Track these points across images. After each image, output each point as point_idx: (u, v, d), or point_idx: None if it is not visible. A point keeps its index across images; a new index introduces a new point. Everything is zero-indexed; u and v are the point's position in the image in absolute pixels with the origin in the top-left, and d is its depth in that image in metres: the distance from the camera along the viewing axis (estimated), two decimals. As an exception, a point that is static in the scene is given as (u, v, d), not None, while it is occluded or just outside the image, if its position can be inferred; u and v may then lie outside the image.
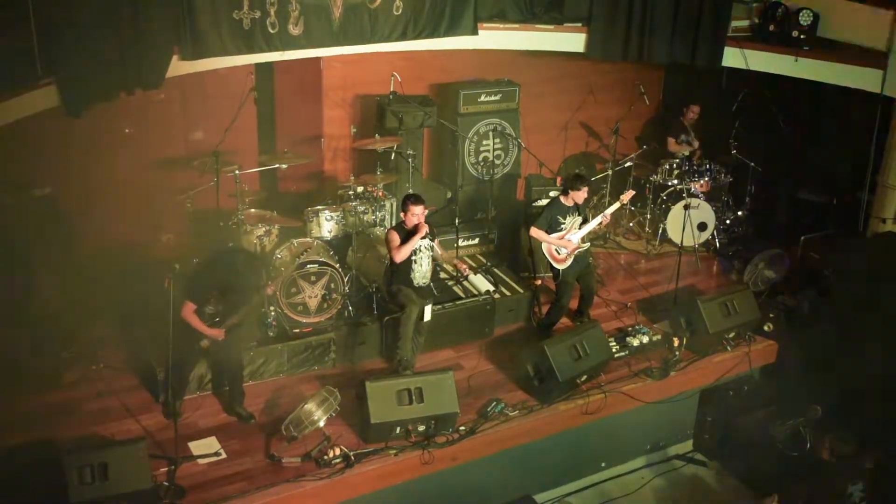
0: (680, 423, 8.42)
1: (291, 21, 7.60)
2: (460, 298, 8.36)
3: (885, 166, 8.71)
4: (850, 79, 8.78)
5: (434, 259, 7.60)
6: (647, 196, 10.15)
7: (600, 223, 8.14)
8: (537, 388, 7.44)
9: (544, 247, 7.99)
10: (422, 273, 7.45)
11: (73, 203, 7.50)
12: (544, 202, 8.62)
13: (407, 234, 7.28)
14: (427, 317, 7.48)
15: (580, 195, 7.89)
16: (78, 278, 7.50)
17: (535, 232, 7.92)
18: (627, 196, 8.47)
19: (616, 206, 8.31)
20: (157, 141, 8.47)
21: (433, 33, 8.48)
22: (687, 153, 10.29)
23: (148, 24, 6.94)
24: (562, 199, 7.98)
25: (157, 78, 7.22)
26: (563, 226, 7.92)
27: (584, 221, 8.01)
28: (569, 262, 7.98)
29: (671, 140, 10.46)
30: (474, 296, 8.45)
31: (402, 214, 7.40)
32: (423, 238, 7.30)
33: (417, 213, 7.23)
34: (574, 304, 8.42)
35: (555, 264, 8.00)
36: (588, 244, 8.18)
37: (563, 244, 7.91)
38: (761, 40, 9.35)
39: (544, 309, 8.49)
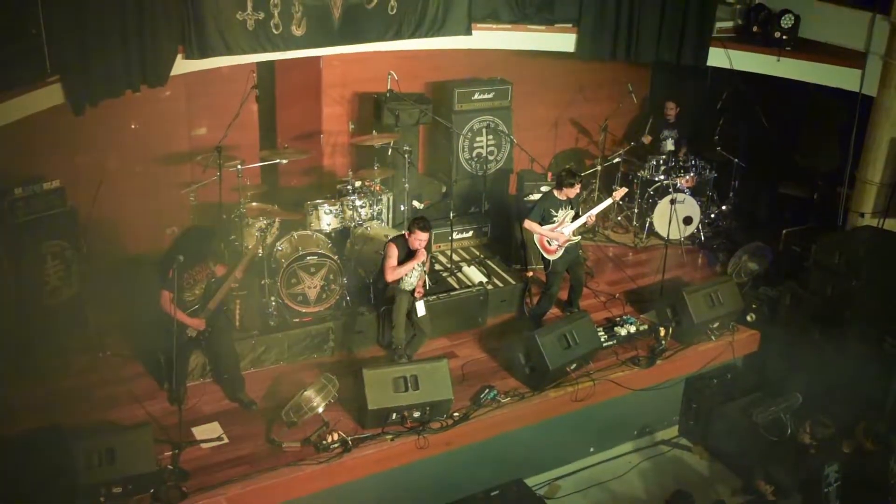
0: (666, 410, 8.49)
1: (294, 22, 7.66)
2: (455, 289, 8.46)
3: (864, 163, 8.74)
4: (830, 78, 8.84)
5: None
6: (634, 191, 10.20)
7: (607, 204, 8.21)
8: (528, 375, 7.52)
9: (536, 238, 8.08)
10: (410, 283, 7.51)
11: (81, 196, 7.63)
12: (536, 197, 8.68)
13: (406, 254, 7.38)
14: (421, 311, 7.57)
15: (573, 191, 8.00)
16: (86, 269, 7.61)
17: (528, 224, 8.00)
18: (620, 193, 8.49)
19: (608, 202, 8.39)
20: (162, 136, 8.54)
21: (428, 33, 8.55)
22: (672, 148, 10.40)
23: (153, 24, 7.03)
24: (555, 192, 8.06)
25: (162, 76, 7.31)
26: (555, 218, 7.99)
27: (576, 215, 8.09)
28: (559, 254, 8.06)
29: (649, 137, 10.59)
30: (468, 287, 8.55)
31: (406, 233, 7.43)
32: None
33: (421, 240, 7.29)
34: (564, 295, 8.51)
35: (546, 255, 8.09)
36: (579, 237, 8.25)
37: (554, 236, 7.98)
38: (745, 41, 9.42)
39: (535, 300, 8.59)
